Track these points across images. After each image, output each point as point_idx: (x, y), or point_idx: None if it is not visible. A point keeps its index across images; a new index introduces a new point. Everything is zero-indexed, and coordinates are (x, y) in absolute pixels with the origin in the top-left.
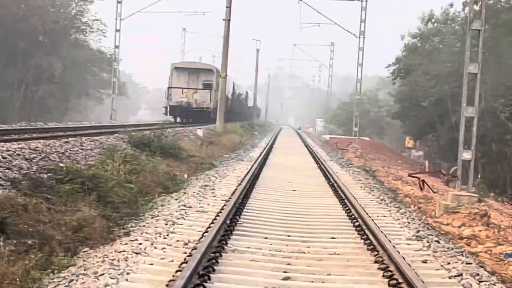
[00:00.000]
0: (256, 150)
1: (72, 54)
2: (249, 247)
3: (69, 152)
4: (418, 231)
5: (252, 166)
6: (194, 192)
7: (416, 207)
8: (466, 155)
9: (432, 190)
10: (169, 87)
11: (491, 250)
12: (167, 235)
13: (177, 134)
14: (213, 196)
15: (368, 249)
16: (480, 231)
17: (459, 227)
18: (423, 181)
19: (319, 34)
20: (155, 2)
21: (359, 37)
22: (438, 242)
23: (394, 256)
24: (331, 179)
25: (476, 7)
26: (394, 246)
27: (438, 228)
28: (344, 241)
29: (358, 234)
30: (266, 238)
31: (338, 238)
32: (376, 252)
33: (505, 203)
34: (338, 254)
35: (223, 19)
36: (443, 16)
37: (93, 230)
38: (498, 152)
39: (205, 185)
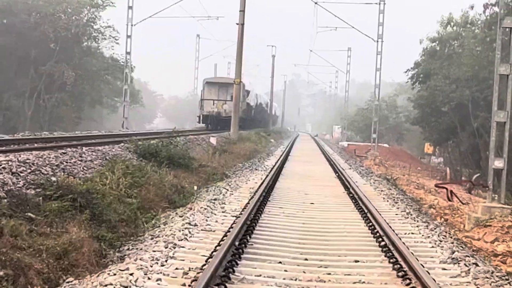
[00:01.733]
0: (271, 158)
1: (84, 62)
2: (259, 275)
3: (65, 164)
4: (452, 252)
5: (267, 176)
6: (201, 208)
7: (442, 219)
8: (498, 163)
9: (461, 201)
10: (202, 99)
11: None
12: (166, 261)
13: (188, 143)
14: (223, 212)
15: (398, 276)
16: None
17: (492, 242)
18: (451, 191)
19: (335, 39)
20: (167, 7)
21: (377, 41)
22: (477, 265)
23: (430, 285)
24: (351, 190)
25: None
26: (428, 272)
27: (469, 243)
28: (369, 265)
29: (385, 256)
30: (280, 262)
31: (363, 261)
32: (408, 281)
33: None
34: (364, 282)
35: (237, 23)
36: (463, 20)
37: (81, 255)
38: None
39: (215, 199)
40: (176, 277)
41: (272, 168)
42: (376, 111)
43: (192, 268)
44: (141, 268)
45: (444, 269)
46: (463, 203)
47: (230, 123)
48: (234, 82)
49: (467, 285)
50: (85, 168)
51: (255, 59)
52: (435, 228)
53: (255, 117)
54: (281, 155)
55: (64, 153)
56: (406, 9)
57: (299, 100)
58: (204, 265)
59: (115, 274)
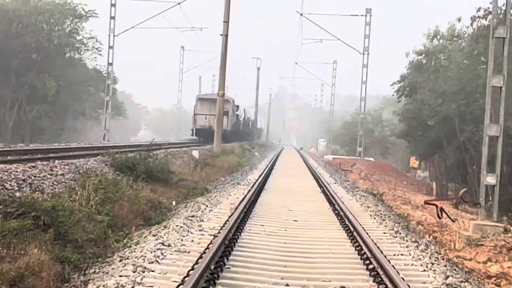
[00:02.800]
0: (255, 172)
1: (66, 73)
2: None
3: (33, 178)
4: (446, 277)
5: (249, 191)
6: (177, 226)
7: (431, 237)
8: (490, 179)
9: (451, 218)
10: (194, 114)
11: None
12: (132, 287)
13: (168, 156)
14: (200, 230)
15: None
16: (509, 267)
17: (484, 262)
18: (442, 209)
19: (321, 51)
20: (149, 18)
21: (363, 53)
22: None
23: None
24: (337, 206)
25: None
26: None
27: (461, 264)
28: None
29: (374, 281)
30: None
31: None
32: None
33: None
34: None
35: (221, 34)
36: (449, 33)
37: (40, 280)
38: (510, 173)
39: (192, 216)
40: None
41: (255, 183)
42: (361, 124)
43: None
44: None
45: None
46: (453, 221)
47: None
48: (217, 94)
49: None
50: (55, 182)
51: (240, 72)
52: (426, 249)
53: (244, 130)
54: (265, 169)
55: (33, 166)
56: (392, 22)
57: (284, 113)
58: None
59: None
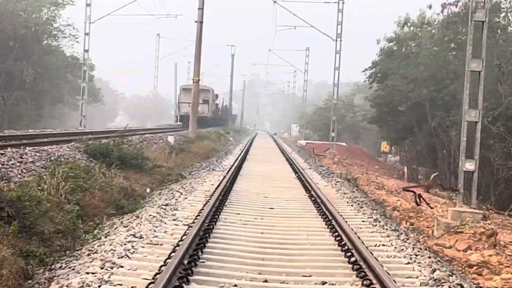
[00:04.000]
0: (230, 157)
1: (44, 60)
2: None
3: (1, 166)
4: (433, 270)
5: (224, 177)
6: (150, 215)
7: (408, 223)
8: (469, 165)
9: (429, 205)
10: (179, 102)
11: None
12: (99, 286)
13: (143, 142)
14: (174, 220)
15: None
16: (490, 255)
17: (464, 250)
18: (420, 195)
19: (295, 38)
20: (124, 5)
21: (336, 40)
22: (462, 287)
23: None
24: (313, 193)
25: None
26: None
27: (441, 252)
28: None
29: (357, 276)
30: (235, 286)
31: (332, 284)
32: None
33: (489, 210)
34: None
35: (196, 21)
36: (420, 20)
37: (0, 279)
38: (481, 157)
39: (166, 204)
40: None
41: (230, 169)
42: (334, 110)
43: None
44: None
45: None
46: (431, 208)
47: (202, 122)
48: (192, 81)
49: None
50: (24, 170)
51: (215, 59)
52: (407, 239)
53: (221, 116)
54: (240, 154)
55: (1, 154)
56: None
57: (258, 100)
58: None
59: None
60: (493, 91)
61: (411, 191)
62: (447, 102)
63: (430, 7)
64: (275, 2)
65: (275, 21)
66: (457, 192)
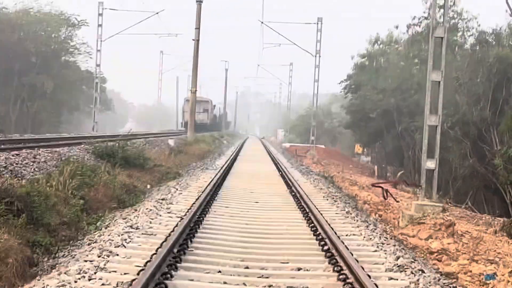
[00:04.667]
0: (222, 158)
1: (62, 73)
2: None
3: (15, 165)
4: (397, 257)
5: (216, 175)
6: (147, 209)
7: (377, 215)
8: (430, 164)
9: (395, 199)
10: (183, 111)
11: (470, 271)
12: (95, 273)
13: (146, 144)
14: (168, 212)
15: None
16: (448, 244)
17: (426, 239)
18: (387, 190)
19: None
20: (131, 25)
21: (315, 56)
22: (423, 272)
23: None
24: (293, 188)
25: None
26: (376, 286)
27: (406, 240)
28: (313, 273)
29: (329, 263)
30: (219, 272)
31: (306, 269)
32: None
33: (448, 203)
34: None
35: (193, 39)
36: (388, 38)
37: (5, 266)
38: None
39: (163, 198)
40: None
41: (221, 168)
42: (314, 117)
43: (121, 283)
44: (63, 286)
45: (392, 278)
46: (397, 201)
47: (202, 127)
48: (191, 91)
49: None
50: (36, 169)
51: (211, 73)
52: (375, 229)
53: (218, 123)
54: (231, 155)
55: (17, 154)
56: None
57: (249, 108)
58: (134, 280)
59: None
60: (452, 100)
61: (380, 187)
62: (412, 110)
63: (397, 27)
64: (262, 23)
65: (262, 39)
66: (420, 187)
